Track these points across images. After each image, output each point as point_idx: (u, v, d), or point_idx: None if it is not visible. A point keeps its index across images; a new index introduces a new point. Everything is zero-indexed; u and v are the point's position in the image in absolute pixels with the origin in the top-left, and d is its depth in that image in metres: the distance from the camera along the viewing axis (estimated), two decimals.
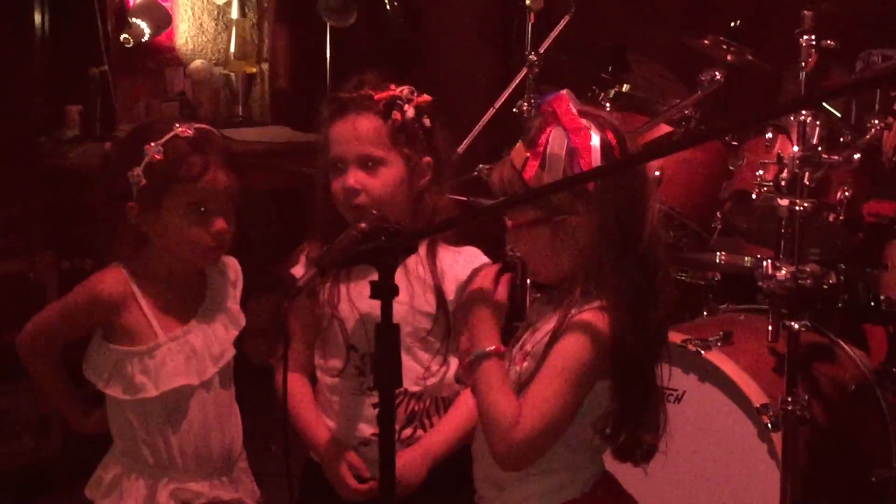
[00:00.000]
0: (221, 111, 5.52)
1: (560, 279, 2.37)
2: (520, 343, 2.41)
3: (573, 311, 2.29)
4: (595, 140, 2.28)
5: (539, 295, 2.53)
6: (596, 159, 2.29)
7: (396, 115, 2.71)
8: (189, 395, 2.69)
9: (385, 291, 2.22)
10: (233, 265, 2.85)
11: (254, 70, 5.63)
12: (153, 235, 2.69)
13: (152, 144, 2.63)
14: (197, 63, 5.39)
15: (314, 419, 2.80)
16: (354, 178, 2.69)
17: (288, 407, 2.79)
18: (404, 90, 2.75)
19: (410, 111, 2.73)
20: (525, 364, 2.35)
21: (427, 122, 2.76)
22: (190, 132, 2.67)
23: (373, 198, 2.68)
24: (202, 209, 2.66)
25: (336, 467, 2.74)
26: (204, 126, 2.74)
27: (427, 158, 2.76)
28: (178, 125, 2.68)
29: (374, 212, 2.56)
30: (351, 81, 2.78)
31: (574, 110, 2.31)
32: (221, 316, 2.77)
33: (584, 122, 2.30)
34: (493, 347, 2.35)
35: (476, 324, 2.39)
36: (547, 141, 2.30)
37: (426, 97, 2.78)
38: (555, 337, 2.29)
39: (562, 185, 2.29)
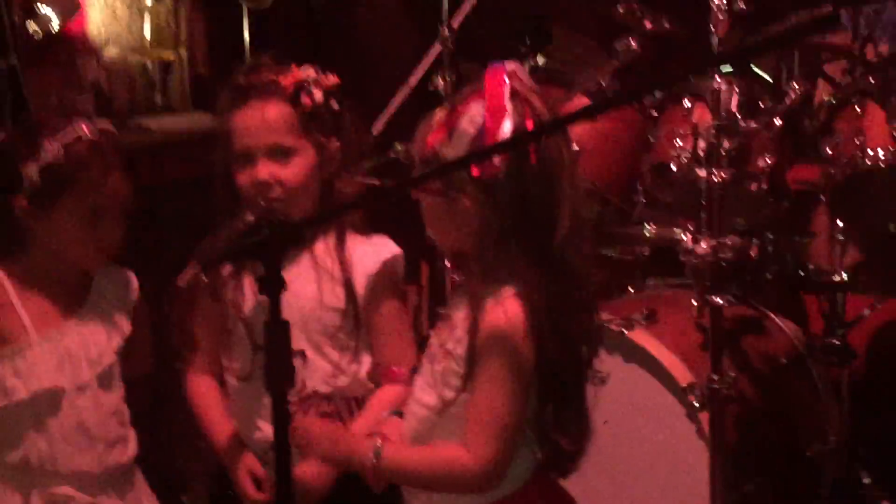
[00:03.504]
0: (139, 100, 5.34)
1: (456, 252, 2.30)
2: (439, 339, 2.30)
3: (486, 300, 2.18)
4: (508, 126, 2.15)
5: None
6: None
7: (306, 99, 2.58)
8: (62, 399, 2.57)
9: (272, 286, 2.09)
10: (129, 278, 2.74)
11: (171, 57, 5.46)
12: (38, 234, 2.58)
13: (51, 144, 2.51)
14: (111, 51, 5.22)
15: (218, 423, 2.70)
16: (266, 170, 2.55)
17: (195, 412, 2.72)
18: (310, 72, 2.61)
19: (319, 94, 2.60)
20: (446, 364, 2.24)
21: (335, 104, 2.63)
22: (92, 134, 2.55)
23: (287, 189, 2.55)
24: (96, 216, 2.55)
25: (236, 473, 2.63)
26: (104, 125, 2.63)
27: (336, 143, 2.63)
28: (79, 123, 2.55)
29: (261, 203, 2.46)
30: (246, 65, 2.65)
31: (506, 89, 2.16)
32: (103, 322, 2.65)
33: (509, 104, 2.16)
34: (373, 445, 2.28)
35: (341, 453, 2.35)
36: (464, 112, 2.19)
37: (333, 78, 2.64)
38: (472, 336, 2.18)
39: (441, 168, 2.18)
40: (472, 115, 2.17)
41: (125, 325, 2.68)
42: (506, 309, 2.16)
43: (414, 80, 3.83)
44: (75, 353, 2.58)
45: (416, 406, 2.32)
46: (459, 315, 2.25)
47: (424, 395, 2.30)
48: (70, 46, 5.13)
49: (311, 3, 5.18)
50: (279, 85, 2.58)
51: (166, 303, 2.39)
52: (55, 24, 4.88)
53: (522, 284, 2.16)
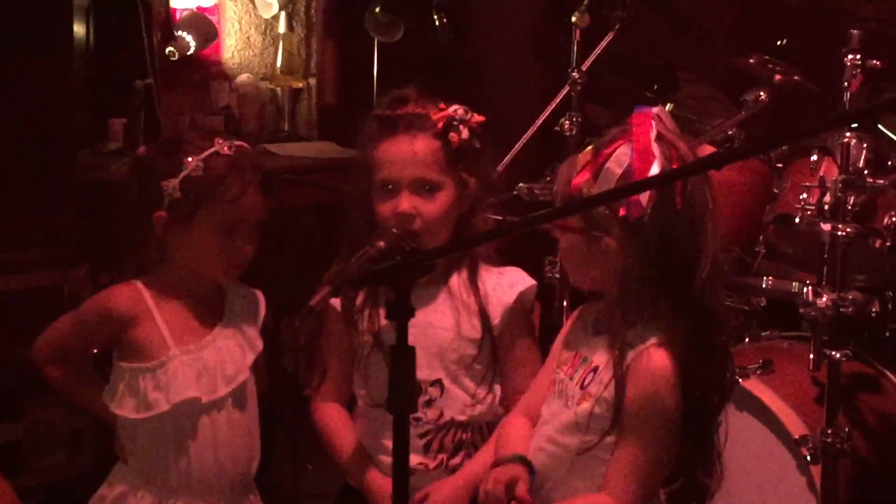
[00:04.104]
0: (267, 126, 5.46)
1: (588, 289, 2.34)
2: (577, 380, 2.32)
3: (631, 348, 2.22)
4: (655, 169, 2.18)
5: (578, 318, 2.45)
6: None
7: (453, 136, 2.61)
8: (199, 413, 2.62)
9: (400, 311, 2.14)
10: (258, 297, 2.80)
11: (300, 85, 5.57)
12: (175, 247, 2.65)
13: (192, 159, 2.58)
14: (243, 77, 5.35)
15: (348, 447, 2.72)
16: (409, 202, 2.59)
17: (326, 438, 2.76)
18: (459, 110, 2.64)
19: (466, 132, 2.63)
20: (587, 405, 2.27)
21: (477, 142, 2.66)
22: (230, 150, 2.61)
23: (426, 222, 2.59)
24: (231, 230, 2.62)
25: (372, 493, 2.66)
26: (242, 143, 2.69)
27: (474, 180, 2.67)
28: (218, 140, 2.63)
29: (394, 230, 2.51)
30: (391, 97, 2.68)
31: (653, 132, 2.20)
32: (238, 337, 2.71)
33: (656, 147, 2.19)
34: None
35: None
36: (610, 154, 2.22)
37: (479, 117, 2.67)
38: (620, 384, 2.21)
39: (582, 203, 2.21)
40: (619, 156, 2.21)
41: (258, 342, 2.73)
42: (653, 361, 2.20)
43: (539, 120, 3.87)
44: (212, 369, 2.64)
45: (548, 444, 2.35)
46: (600, 358, 2.28)
47: (562, 435, 2.32)
48: (204, 70, 5.28)
49: (439, 39, 5.24)
50: (430, 120, 2.61)
51: (294, 327, 2.43)
52: (192, 48, 5.03)
53: (666, 332, 2.20)
